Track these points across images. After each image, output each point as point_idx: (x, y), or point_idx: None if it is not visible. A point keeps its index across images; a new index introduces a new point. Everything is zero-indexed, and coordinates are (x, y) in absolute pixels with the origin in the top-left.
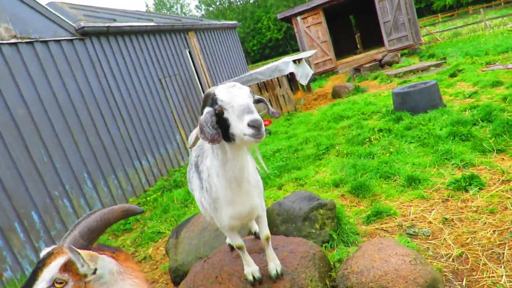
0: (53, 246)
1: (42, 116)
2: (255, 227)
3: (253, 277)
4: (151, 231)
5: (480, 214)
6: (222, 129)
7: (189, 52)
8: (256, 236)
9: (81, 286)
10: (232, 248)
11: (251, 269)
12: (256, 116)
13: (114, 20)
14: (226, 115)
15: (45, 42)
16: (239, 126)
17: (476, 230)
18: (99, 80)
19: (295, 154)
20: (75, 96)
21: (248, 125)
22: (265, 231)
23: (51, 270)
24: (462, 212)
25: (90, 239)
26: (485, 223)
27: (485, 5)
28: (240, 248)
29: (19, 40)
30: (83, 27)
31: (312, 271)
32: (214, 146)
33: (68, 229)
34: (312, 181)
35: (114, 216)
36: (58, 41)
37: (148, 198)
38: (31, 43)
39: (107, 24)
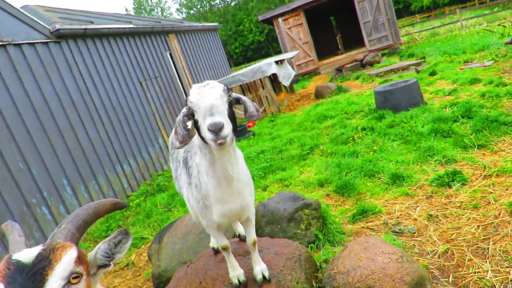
0: (46, 243)
1: (16, 121)
2: (239, 229)
3: (238, 280)
4: (133, 237)
5: (464, 209)
6: (198, 130)
7: (170, 54)
8: (241, 238)
9: (89, 282)
10: (216, 251)
11: (236, 272)
12: (216, 119)
13: (91, 23)
14: (196, 116)
15: (18, 45)
16: (203, 128)
17: (461, 225)
18: (77, 83)
19: (280, 155)
20: (52, 100)
21: (208, 129)
22: (252, 235)
23: (65, 265)
24: (446, 208)
25: (83, 233)
26: (469, 219)
27: (460, 6)
28: (225, 249)
29: None
30: (59, 29)
31: (298, 273)
32: (202, 145)
33: (47, 238)
34: (297, 181)
35: (104, 209)
36: (33, 44)
37: (131, 204)
38: (3, 46)
39: (83, 27)
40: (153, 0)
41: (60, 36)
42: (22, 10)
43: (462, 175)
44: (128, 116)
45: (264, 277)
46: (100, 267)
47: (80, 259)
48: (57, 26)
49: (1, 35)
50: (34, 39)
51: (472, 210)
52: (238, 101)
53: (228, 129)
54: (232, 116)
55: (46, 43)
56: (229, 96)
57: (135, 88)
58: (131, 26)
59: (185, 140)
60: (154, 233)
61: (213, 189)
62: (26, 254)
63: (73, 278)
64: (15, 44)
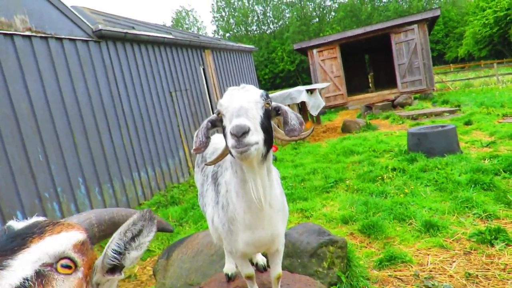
0: (52, 219)
1: (45, 113)
2: (257, 258)
3: None
4: None
5: (508, 273)
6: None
7: (203, 69)
8: (258, 268)
9: (83, 286)
10: (229, 278)
11: None
12: (241, 121)
13: (133, 28)
14: (224, 122)
15: (60, 39)
16: (227, 131)
17: None
18: (109, 85)
19: (302, 184)
20: (82, 98)
21: (230, 132)
22: (278, 269)
23: (58, 241)
24: (488, 269)
25: (103, 232)
26: None
27: (497, 61)
28: (250, 278)
29: (34, 34)
30: (101, 29)
31: None
32: (233, 162)
33: None
34: (318, 214)
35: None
36: (73, 40)
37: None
38: (45, 38)
39: (125, 30)
40: (190, 20)
41: (101, 37)
42: (69, 7)
43: (506, 234)
44: (154, 124)
45: None
46: (109, 272)
47: (84, 249)
48: (100, 27)
49: (45, 28)
50: (76, 36)
51: None
52: (277, 111)
53: (255, 137)
54: (266, 127)
55: (86, 41)
56: (267, 103)
57: (164, 98)
58: (170, 36)
59: (200, 147)
60: (162, 247)
61: (242, 212)
62: (24, 223)
63: (63, 267)
64: (56, 38)
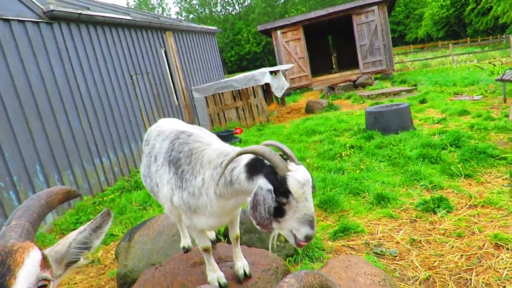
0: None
1: None
2: (212, 235)
3: (219, 283)
4: None
5: (448, 237)
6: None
7: (165, 51)
8: (213, 244)
9: None
10: (186, 251)
11: (216, 275)
12: (314, 231)
13: (88, 9)
14: (286, 208)
15: (7, 20)
16: (294, 226)
17: (444, 253)
18: (64, 68)
19: None
20: (35, 81)
21: (305, 237)
22: (236, 231)
23: (30, 270)
24: (430, 234)
25: (37, 229)
26: (452, 247)
27: (453, 41)
28: (207, 250)
29: None
30: (52, 10)
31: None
32: (224, 187)
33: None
34: None
35: (57, 199)
36: (22, 21)
37: (105, 198)
38: None
39: (79, 11)
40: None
41: (53, 18)
42: None
43: (447, 203)
44: (114, 108)
45: (245, 273)
46: (69, 264)
47: (46, 262)
48: (51, 7)
49: None
50: (24, 17)
51: (456, 239)
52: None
53: None
54: None
55: (37, 22)
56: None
57: (124, 81)
58: (128, 17)
59: (265, 225)
60: (125, 231)
61: (215, 207)
62: None
63: (40, 287)
64: (3, 20)
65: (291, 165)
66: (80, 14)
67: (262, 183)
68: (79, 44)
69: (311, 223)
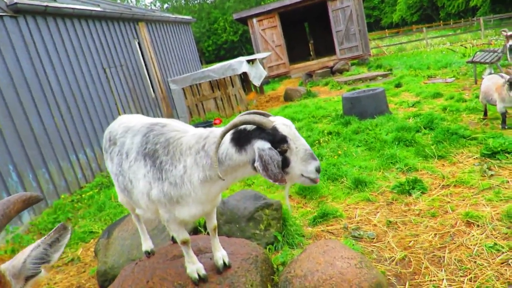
0: None
1: None
2: (150, 246)
3: (198, 275)
4: (82, 230)
5: (422, 217)
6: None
7: (139, 43)
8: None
9: None
10: (149, 255)
11: (195, 266)
12: (318, 161)
13: (55, 1)
14: (288, 155)
15: None
16: (301, 168)
17: (419, 233)
18: (33, 63)
19: None
20: (2, 78)
21: (316, 170)
22: (214, 221)
23: None
24: (406, 215)
25: None
26: (427, 227)
27: (426, 25)
28: (185, 243)
29: None
30: (16, 3)
31: (253, 275)
32: (207, 168)
33: None
34: (260, 181)
35: (15, 209)
36: None
37: (83, 195)
38: None
39: (45, 3)
40: None
41: (18, 11)
42: None
43: (422, 184)
44: (88, 103)
45: (224, 263)
46: (29, 277)
47: (4, 279)
48: (15, 0)
49: None
50: None
51: (430, 219)
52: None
53: None
54: None
55: (1, 16)
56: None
57: (98, 75)
58: (98, 9)
59: (279, 178)
60: (104, 228)
61: (200, 193)
62: None
63: None
64: None
65: (270, 118)
66: (46, 6)
67: (260, 145)
68: (47, 38)
69: (313, 156)
